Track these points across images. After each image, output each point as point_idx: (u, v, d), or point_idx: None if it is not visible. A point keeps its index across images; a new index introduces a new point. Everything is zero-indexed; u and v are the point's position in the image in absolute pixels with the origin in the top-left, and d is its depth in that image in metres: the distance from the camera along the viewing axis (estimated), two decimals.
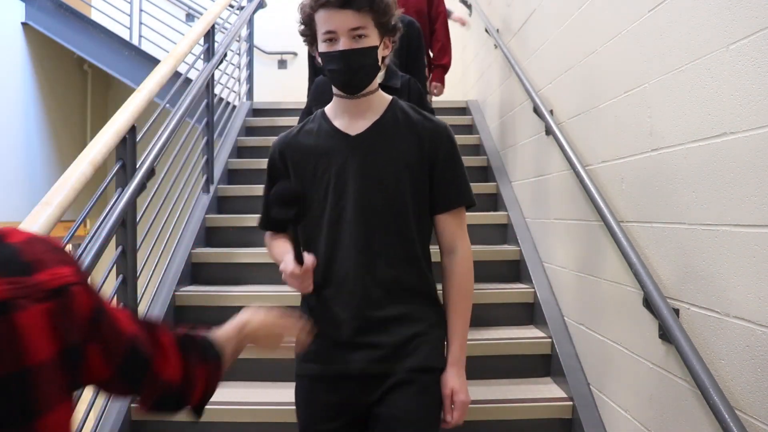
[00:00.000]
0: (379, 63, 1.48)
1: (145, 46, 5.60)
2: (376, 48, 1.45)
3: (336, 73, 1.45)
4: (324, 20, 1.42)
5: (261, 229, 1.69)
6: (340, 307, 1.49)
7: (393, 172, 1.49)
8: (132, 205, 2.54)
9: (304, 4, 1.46)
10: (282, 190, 1.36)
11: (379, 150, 1.51)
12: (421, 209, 1.52)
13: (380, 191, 1.49)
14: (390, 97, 1.57)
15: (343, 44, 1.41)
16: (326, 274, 1.50)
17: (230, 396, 2.62)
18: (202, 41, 3.91)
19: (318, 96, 2.27)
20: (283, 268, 1.44)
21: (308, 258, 1.43)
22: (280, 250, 1.54)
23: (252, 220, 3.75)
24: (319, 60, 1.49)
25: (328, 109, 1.59)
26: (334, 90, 1.53)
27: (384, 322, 1.48)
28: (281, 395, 2.63)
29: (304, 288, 1.46)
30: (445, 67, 3.86)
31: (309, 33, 1.49)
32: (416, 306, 1.51)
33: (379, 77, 1.56)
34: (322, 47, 1.45)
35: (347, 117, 1.54)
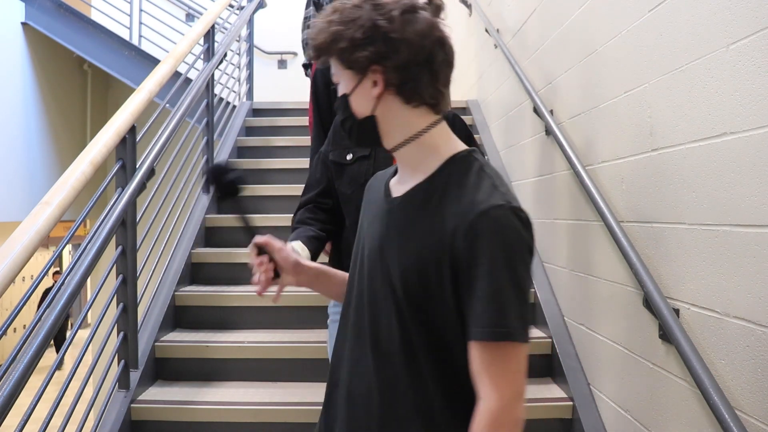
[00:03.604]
0: (368, 110, 1.07)
1: (145, 46, 5.60)
2: (345, 96, 1.09)
3: None
4: None
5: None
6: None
7: (403, 266, 1.05)
8: (132, 205, 2.54)
9: None
10: (221, 165, 1.22)
11: (403, 228, 1.08)
12: (434, 333, 1.04)
13: (388, 292, 1.06)
14: (457, 150, 1.09)
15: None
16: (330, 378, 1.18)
17: (230, 396, 2.62)
18: (202, 41, 3.91)
19: (338, 141, 1.89)
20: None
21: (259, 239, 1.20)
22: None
23: (251, 220, 3.76)
24: None
25: None
26: None
27: None
28: (281, 395, 2.63)
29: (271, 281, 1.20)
30: None
31: None
32: None
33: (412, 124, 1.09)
34: None
35: (402, 170, 1.14)
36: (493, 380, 0.98)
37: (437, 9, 1.08)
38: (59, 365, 2.08)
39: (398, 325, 1.04)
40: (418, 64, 1.03)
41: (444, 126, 1.11)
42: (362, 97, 1.07)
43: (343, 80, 1.09)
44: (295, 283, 1.25)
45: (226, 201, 1.21)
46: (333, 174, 1.88)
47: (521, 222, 1.00)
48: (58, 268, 10.91)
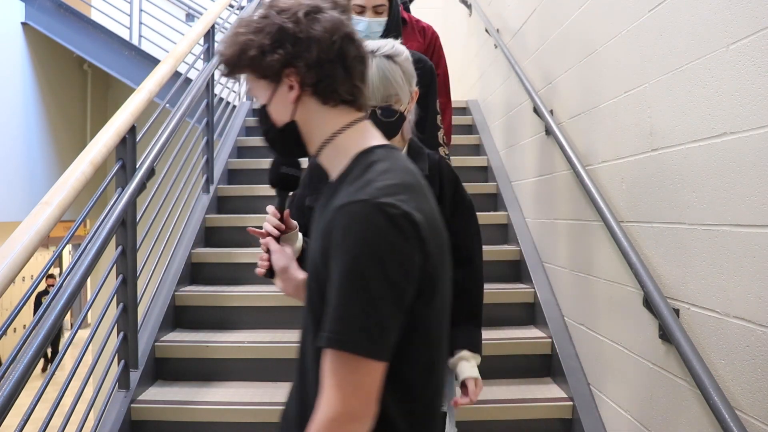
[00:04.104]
0: (288, 117, 1.04)
1: (145, 46, 5.60)
2: (264, 107, 1.06)
3: None
4: None
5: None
6: None
7: (307, 277, 1.02)
8: (132, 205, 2.54)
9: None
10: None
11: (311, 237, 1.06)
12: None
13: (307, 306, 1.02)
14: (365, 147, 1.03)
15: None
16: None
17: (230, 396, 2.62)
18: (202, 41, 3.91)
19: (315, 184, 1.67)
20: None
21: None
22: None
23: (252, 220, 3.76)
24: None
25: None
26: None
27: None
28: (281, 395, 2.62)
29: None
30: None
31: None
32: None
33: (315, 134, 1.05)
34: None
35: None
36: (330, 391, 0.88)
37: (343, 9, 1.05)
38: (56, 369, 2.07)
39: (312, 342, 0.97)
40: (330, 61, 1.01)
41: (362, 126, 1.05)
42: (280, 104, 1.03)
43: (259, 92, 1.06)
44: (281, 288, 1.23)
45: (275, 189, 1.23)
46: (309, 221, 1.70)
47: (388, 219, 0.88)
48: (52, 273, 10.86)
